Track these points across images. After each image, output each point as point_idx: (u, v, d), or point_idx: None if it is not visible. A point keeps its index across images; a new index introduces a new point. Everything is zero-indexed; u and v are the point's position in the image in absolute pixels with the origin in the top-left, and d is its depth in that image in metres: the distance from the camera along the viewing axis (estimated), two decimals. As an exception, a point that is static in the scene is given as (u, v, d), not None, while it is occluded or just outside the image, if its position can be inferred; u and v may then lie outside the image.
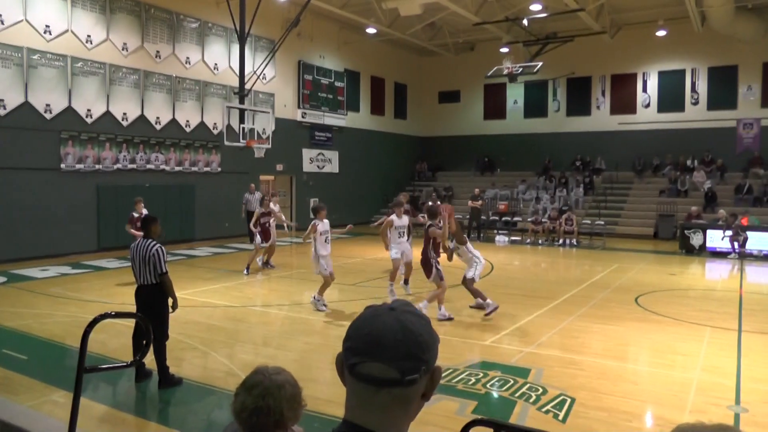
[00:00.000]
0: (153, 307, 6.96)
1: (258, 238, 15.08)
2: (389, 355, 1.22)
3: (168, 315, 7.15)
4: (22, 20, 16.32)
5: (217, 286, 13.29)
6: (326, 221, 11.15)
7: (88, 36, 17.90)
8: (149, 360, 6.97)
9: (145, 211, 10.81)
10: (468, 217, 23.52)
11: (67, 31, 17.36)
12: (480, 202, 23.52)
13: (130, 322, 8.47)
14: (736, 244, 18.89)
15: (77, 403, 2.97)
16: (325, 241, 11.01)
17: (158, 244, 7.09)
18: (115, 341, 8.44)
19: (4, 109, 16.00)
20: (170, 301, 7.12)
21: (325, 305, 10.85)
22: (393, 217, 12.04)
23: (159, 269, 7.00)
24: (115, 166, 18.67)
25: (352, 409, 1.27)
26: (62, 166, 17.33)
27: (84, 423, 4.13)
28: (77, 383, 2.97)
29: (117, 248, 17.98)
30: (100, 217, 18.17)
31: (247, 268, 14.98)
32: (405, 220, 12.21)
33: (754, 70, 25.80)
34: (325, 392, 6.36)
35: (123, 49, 18.82)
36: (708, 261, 18.60)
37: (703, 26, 24.74)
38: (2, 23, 15.92)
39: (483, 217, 24.17)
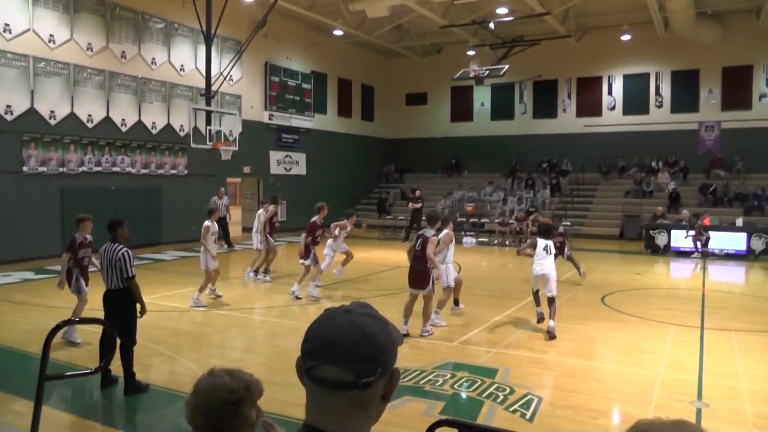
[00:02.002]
0: (121, 312, 6.85)
1: (271, 240, 14.58)
2: (344, 357, 1.22)
3: (136, 320, 7.03)
4: (-19, 20, 15.99)
5: (185, 290, 13.13)
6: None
7: (51, 35, 17.58)
8: (116, 366, 6.87)
9: (89, 237, 9.41)
10: (409, 218, 23.60)
11: (28, 30, 17.02)
12: (420, 204, 23.59)
13: (96, 328, 8.35)
14: (698, 244, 19.26)
15: (38, 412, 2.91)
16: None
17: (125, 248, 6.98)
18: (81, 347, 8.30)
19: (-36, 110, 15.65)
20: (138, 306, 7.00)
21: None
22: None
23: (125, 273, 6.87)
24: (80, 169, 18.36)
25: (311, 412, 1.27)
26: (24, 168, 16.99)
27: None
28: (39, 391, 2.92)
29: (81, 252, 17.70)
30: (64, 220, 17.80)
31: (256, 271, 14.63)
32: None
33: (715, 74, 26.37)
34: (292, 395, 6.30)
35: (87, 50, 18.52)
36: (672, 260, 18.95)
37: (666, 31, 25.23)
38: (-39, 23, 15.58)
39: (423, 218, 24.24)
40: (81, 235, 9.22)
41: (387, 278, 15.10)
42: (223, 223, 19.22)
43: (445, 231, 10.28)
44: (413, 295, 9.34)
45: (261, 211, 15.08)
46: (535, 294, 9.91)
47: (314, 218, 12.83)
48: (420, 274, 9.21)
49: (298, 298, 11.98)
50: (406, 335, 8.90)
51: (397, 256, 16.39)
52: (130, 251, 7.01)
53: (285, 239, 23.09)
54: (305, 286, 12.34)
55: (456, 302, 11.11)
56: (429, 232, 9.31)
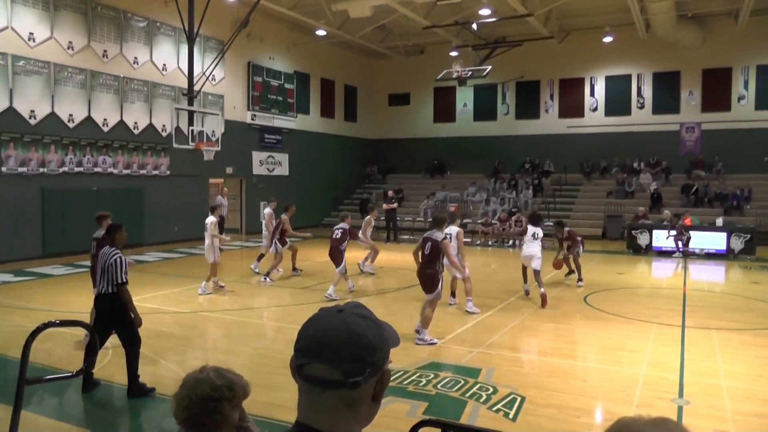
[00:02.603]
0: (113, 318, 6.73)
1: (279, 246, 14.79)
2: (332, 356, 1.23)
3: (132, 322, 6.82)
4: (-41, 19, 15.78)
5: (167, 291, 13.07)
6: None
7: (31, 34, 17.38)
8: (98, 369, 6.81)
9: (102, 233, 8.94)
10: (384, 218, 23.55)
11: (6, 27, 16.78)
12: (394, 204, 23.57)
13: (77, 331, 8.27)
14: (680, 244, 19.43)
15: (17, 416, 2.87)
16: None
17: (119, 254, 6.81)
18: (61, 350, 8.23)
19: (-58, 110, 15.44)
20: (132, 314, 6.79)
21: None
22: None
23: (116, 279, 6.69)
24: (61, 169, 18.17)
25: (303, 410, 1.28)
26: (3, 169, 16.77)
27: (27, 434, 4.01)
28: (18, 395, 2.88)
29: (63, 254, 17.54)
30: (45, 221, 17.65)
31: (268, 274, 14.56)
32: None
33: (695, 76, 26.66)
34: (273, 397, 6.29)
35: (68, 48, 18.33)
36: (654, 260, 19.11)
37: (647, 33, 25.47)
38: (-61, 22, 15.37)
39: (398, 218, 24.40)
40: (102, 230, 9.05)
41: (370, 278, 15.10)
42: (221, 221, 19.23)
43: (456, 229, 11.04)
44: (429, 301, 9.15)
45: (268, 210, 15.65)
46: (524, 271, 12.24)
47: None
48: (429, 277, 9.04)
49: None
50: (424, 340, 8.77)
51: (381, 256, 16.36)
52: (123, 257, 6.84)
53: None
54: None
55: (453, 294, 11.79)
56: (438, 234, 9.12)
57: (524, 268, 12.24)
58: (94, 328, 6.15)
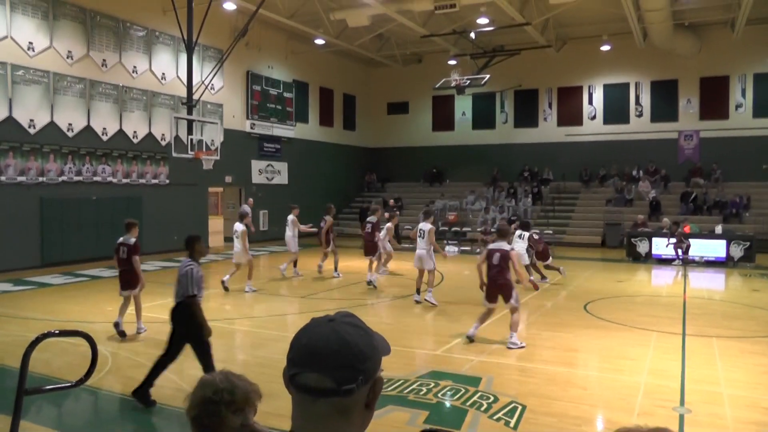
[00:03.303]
0: (187, 325, 6.76)
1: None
2: (325, 365, 1.24)
3: (203, 333, 6.78)
4: (-41, 28, 15.81)
5: (165, 301, 12.98)
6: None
7: (30, 43, 17.41)
8: (96, 379, 6.77)
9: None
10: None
11: (6, 37, 16.81)
12: (396, 213, 23.59)
13: (76, 341, 8.24)
14: (679, 251, 19.42)
15: (16, 426, 2.86)
16: None
17: (194, 266, 6.81)
18: (60, 360, 8.19)
19: (-59, 120, 15.44)
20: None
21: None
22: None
23: (187, 291, 6.70)
24: (60, 179, 18.17)
25: (296, 419, 1.29)
26: (2, 178, 16.76)
27: (26, 444, 3.99)
28: (17, 406, 2.86)
29: (62, 263, 17.52)
30: (44, 231, 17.63)
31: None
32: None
33: (693, 84, 26.74)
34: (273, 406, 6.23)
35: (68, 57, 18.36)
36: (654, 268, 19.09)
37: (645, 42, 25.55)
38: (-62, 31, 15.39)
39: (408, 227, 24.48)
40: (131, 236, 10.01)
41: (369, 287, 15.10)
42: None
43: (429, 225, 12.51)
44: (490, 309, 9.46)
45: (292, 216, 16.55)
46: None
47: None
48: (503, 287, 9.28)
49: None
50: (472, 341, 9.26)
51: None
52: (196, 269, 6.79)
53: (267, 249, 23.02)
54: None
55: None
56: (505, 246, 9.53)
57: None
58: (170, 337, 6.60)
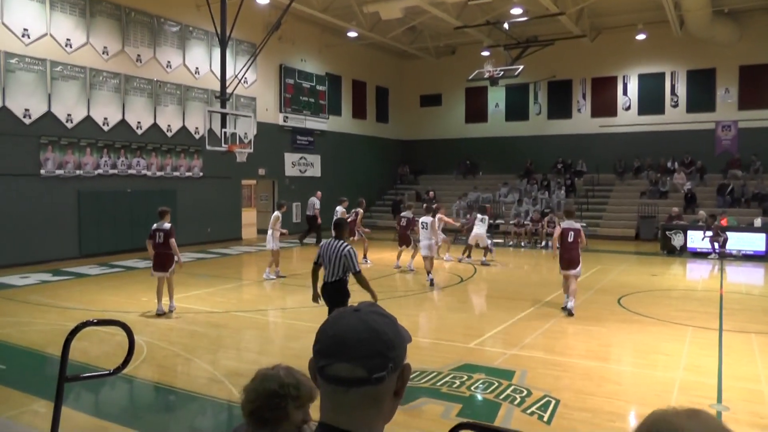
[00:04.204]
0: (339, 301, 7.34)
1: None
2: (355, 354, 1.24)
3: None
4: (-1, 24, 16.15)
5: (199, 291, 13.21)
6: None
7: (68, 40, 17.72)
8: (132, 367, 6.90)
9: (167, 225, 10.83)
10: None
11: (45, 34, 17.17)
12: (435, 205, 23.51)
13: (113, 329, 8.39)
14: (716, 245, 19.08)
15: (58, 413, 2.93)
16: None
17: (350, 246, 7.55)
18: (97, 349, 8.36)
19: (-18, 114, 15.81)
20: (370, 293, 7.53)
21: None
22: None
23: (352, 269, 7.43)
24: (96, 172, 18.48)
25: (326, 411, 1.29)
26: (42, 171, 17.12)
27: (66, 432, 4.08)
28: (58, 393, 2.93)
29: (99, 254, 17.86)
30: (81, 223, 17.98)
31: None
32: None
33: (731, 73, 26.13)
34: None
35: (103, 53, 18.65)
36: (689, 261, 18.77)
37: (681, 30, 25.05)
38: (-21, 28, 15.74)
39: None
40: (165, 222, 10.95)
41: (404, 279, 15.10)
42: (314, 221, 21.66)
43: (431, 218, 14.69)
44: (567, 275, 11.13)
45: (341, 208, 17.93)
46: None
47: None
48: (576, 257, 11.06)
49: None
50: (571, 314, 10.70)
51: (418, 257, 16.35)
52: (354, 249, 7.60)
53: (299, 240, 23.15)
54: None
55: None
56: (576, 224, 11.39)
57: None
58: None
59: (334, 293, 7.52)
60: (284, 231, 15.85)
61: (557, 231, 11.50)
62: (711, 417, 1.14)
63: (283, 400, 2.22)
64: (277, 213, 15.09)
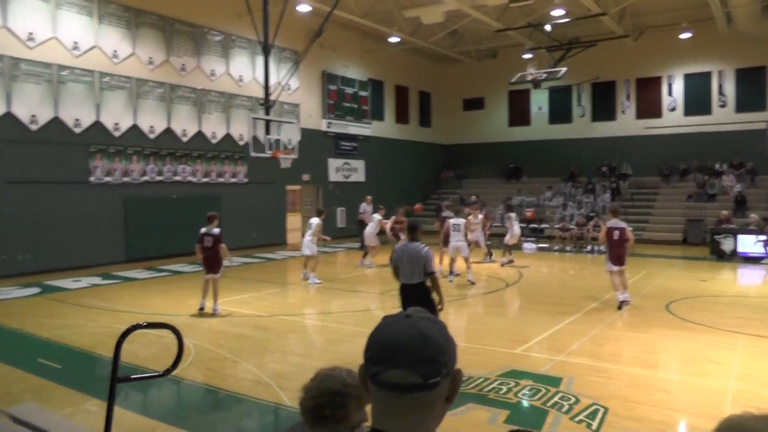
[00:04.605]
0: (423, 303, 7.30)
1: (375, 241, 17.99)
2: (409, 360, 1.24)
3: (434, 308, 7.53)
4: (51, 38, 16.62)
5: (245, 295, 13.37)
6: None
7: (115, 51, 18.16)
8: (181, 369, 7.01)
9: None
10: None
11: (94, 47, 17.64)
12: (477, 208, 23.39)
13: (161, 332, 8.55)
14: (769, 249, 18.53)
15: (111, 413, 2.99)
16: None
17: (427, 247, 7.77)
18: (145, 351, 8.52)
19: (36, 124, 16.28)
20: (436, 297, 7.69)
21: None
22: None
23: (428, 269, 7.61)
24: (143, 179, 18.89)
25: (378, 416, 1.29)
26: (91, 179, 17.58)
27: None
28: (111, 393, 3.00)
29: (145, 259, 18.24)
30: (128, 228, 18.39)
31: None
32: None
33: (784, 71, 25.41)
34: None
35: (149, 63, 19.06)
36: (740, 266, 18.24)
37: (728, 27, 24.46)
38: (33, 41, 16.23)
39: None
40: (213, 227, 11.39)
41: (445, 284, 15.05)
42: (364, 226, 21.21)
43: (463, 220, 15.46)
44: (615, 271, 11.77)
45: (376, 215, 18.49)
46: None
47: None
48: (623, 255, 11.74)
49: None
50: (627, 302, 11.65)
51: (459, 263, 16.27)
52: (431, 251, 7.81)
53: (344, 246, 23.27)
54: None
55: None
56: (621, 223, 12.00)
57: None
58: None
59: (415, 296, 7.58)
60: (327, 238, 16.23)
61: (603, 230, 12.27)
62: None
63: (346, 399, 2.25)
64: (317, 220, 15.27)
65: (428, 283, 7.72)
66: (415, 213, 16.77)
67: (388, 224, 18.20)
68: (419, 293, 7.64)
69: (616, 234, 11.78)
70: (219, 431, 6.21)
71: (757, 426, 1.08)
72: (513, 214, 18.61)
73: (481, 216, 17.08)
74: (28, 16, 16.17)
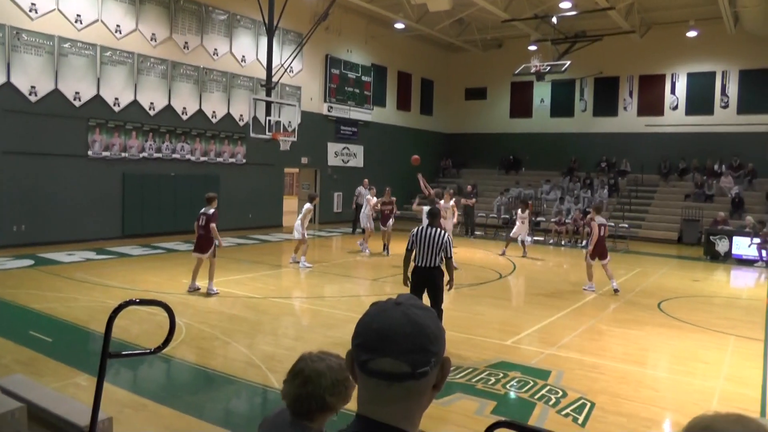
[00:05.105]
0: (437, 285, 8.01)
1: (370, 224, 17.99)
2: (399, 349, 1.23)
3: (442, 292, 8.10)
4: (54, 9, 16.50)
5: (240, 276, 13.38)
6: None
7: (118, 26, 18.05)
8: (171, 348, 7.01)
9: (211, 210, 11.25)
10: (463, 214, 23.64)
11: (97, 20, 17.52)
12: (473, 200, 23.41)
13: (153, 309, 8.57)
14: (764, 252, 18.56)
15: (101, 387, 3.00)
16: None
17: (447, 233, 8.14)
18: (137, 327, 8.54)
19: (36, 96, 16.21)
20: (446, 279, 8.05)
21: None
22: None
23: (448, 254, 7.96)
24: (141, 155, 18.83)
25: (365, 404, 1.29)
26: (89, 153, 17.52)
27: (106, 407, 4.19)
28: (101, 368, 3.00)
29: (141, 236, 18.24)
30: (125, 204, 18.35)
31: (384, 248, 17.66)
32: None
33: (789, 74, 25.34)
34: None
35: (152, 40, 18.95)
36: (734, 268, 18.28)
37: (736, 27, 24.36)
38: (36, 12, 16.12)
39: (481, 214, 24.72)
40: (210, 208, 11.43)
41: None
42: (360, 209, 21.26)
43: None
44: (595, 264, 12.87)
45: (368, 195, 18.54)
46: None
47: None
48: (606, 249, 13.08)
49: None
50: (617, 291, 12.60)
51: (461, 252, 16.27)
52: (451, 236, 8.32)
53: (340, 230, 23.28)
54: None
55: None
56: (603, 220, 13.26)
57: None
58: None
59: (429, 279, 7.98)
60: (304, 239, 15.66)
61: (596, 226, 12.89)
62: (757, 422, 1.11)
63: (330, 399, 2.24)
64: (308, 205, 15.14)
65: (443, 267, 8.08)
66: (413, 164, 16.67)
67: (377, 204, 18.19)
68: (434, 277, 7.99)
69: (602, 229, 12.87)
70: (207, 411, 6.23)
71: (723, 426, 1.09)
72: (519, 210, 19.12)
73: (451, 203, 16.86)
74: (32, -14, 16.05)
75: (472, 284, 13.56)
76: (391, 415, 1.26)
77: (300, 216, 14.99)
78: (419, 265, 8.02)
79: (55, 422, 4.43)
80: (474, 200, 23.09)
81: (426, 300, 7.74)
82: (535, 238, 23.20)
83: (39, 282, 11.89)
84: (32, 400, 4.57)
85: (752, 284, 16.14)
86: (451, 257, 7.97)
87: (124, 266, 14.09)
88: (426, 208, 15.02)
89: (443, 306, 8.22)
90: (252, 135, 18.01)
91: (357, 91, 27.17)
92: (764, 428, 1.10)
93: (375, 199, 18.35)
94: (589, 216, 14.11)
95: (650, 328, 10.04)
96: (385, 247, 17.69)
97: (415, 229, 8.14)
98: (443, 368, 1.30)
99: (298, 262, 14.97)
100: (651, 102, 28.19)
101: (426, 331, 1.25)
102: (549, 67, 22.70)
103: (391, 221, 18.07)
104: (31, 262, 13.94)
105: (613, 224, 23.08)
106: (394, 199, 18.73)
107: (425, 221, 15.21)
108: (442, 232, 7.99)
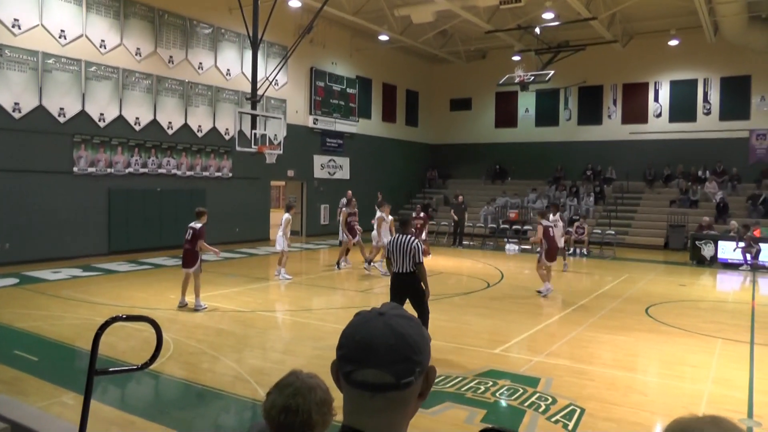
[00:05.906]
0: (416, 290, 8.20)
1: (345, 236, 17.36)
2: (383, 360, 1.23)
3: (424, 296, 8.25)
4: (37, 25, 16.45)
5: (227, 290, 13.32)
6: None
7: (102, 41, 18.01)
8: (159, 364, 6.97)
9: (198, 225, 11.24)
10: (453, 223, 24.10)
11: (81, 35, 17.48)
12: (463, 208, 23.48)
13: (140, 325, 8.50)
14: (748, 256, 18.73)
15: (88, 405, 2.97)
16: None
17: (417, 240, 8.31)
18: (124, 344, 8.47)
19: (19, 112, 16.12)
20: (423, 286, 8.22)
21: None
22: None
23: (417, 259, 8.15)
24: (127, 170, 18.75)
25: (350, 414, 1.28)
26: (75, 169, 17.42)
27: (93, 425, 4.15)
28: (88, 385, 2.98)
29: (127, 251, 18.12)
30: (111, 220, 18.25)
31: (338, 264, 17.09)
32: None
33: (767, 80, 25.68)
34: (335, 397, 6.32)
35: (136, 54, 18.93)
36: (719, 272, 18.44)
37: (716, 36, 24.68)
38: (19, 27, 16.06)
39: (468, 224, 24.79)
40: (199, 222, 11.41)
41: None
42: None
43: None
44: (549, 266, 13.46)
45: (345, 208, 18.03)
46: None
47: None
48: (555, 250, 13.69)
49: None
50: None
51: (442, 262, 16.32)
52: (419, 243, 8.34)
53: (327, 243, 23.26)
54: None
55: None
56: (546, 222, 13.52)
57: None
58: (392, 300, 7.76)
59: (406, 285, 8.24)
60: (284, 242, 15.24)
61: (541, 229, 13.23)
62: (733, 424, 1.12)
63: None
64: (287, 215, 15.09)
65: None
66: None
67: (345, 215, 17.48)
68: (409, 282, 8.23)
69: (551, 231, 13.36)
70: (196, 426, 6.18)
71: (699, 427, 1.11)
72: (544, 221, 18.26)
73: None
74: (15, 2, 15.99)
75: (460, 293, 13.57)
76: (376, 426, 1.25)
77: (281, 227, 14.90)
78: (396, 271, 8.34)
79: (41, 441, 4.38)
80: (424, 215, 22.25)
81: (410, 308, 7.75)
82: (523, 246, 23.26)
83: (24, 301, 11.78)
84: (16, 420, 4.51)
85: (738, 288, 16.28)
86: (420, 262, 8.17)
87: (111, 283, 13.99)
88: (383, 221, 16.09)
89: (430, 314, 8.27)
90: (238, 148, 17.96)
91: (342, 103, 27.22)
92: (738, 429, 1.12)
93: (346, 209, 17.74)
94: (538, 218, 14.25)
95: (638, 333, 10.08)
96: (367, 260, 16.77)
97: (391, 238, 8.57)
98: (428, 377, 1.30)
99: (288, 277, 14.91)
100: (635, 110, 28.45)
101: (409, 341, 1.25)
102: (533, 77, 22.86)
103: (358, 233, 17.51)
104: (15, 280, 13.80)
105: (600, 230, 23.26)
106: (356, 211, 17.88)
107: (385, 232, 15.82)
108: (411, 238, 8.31)
